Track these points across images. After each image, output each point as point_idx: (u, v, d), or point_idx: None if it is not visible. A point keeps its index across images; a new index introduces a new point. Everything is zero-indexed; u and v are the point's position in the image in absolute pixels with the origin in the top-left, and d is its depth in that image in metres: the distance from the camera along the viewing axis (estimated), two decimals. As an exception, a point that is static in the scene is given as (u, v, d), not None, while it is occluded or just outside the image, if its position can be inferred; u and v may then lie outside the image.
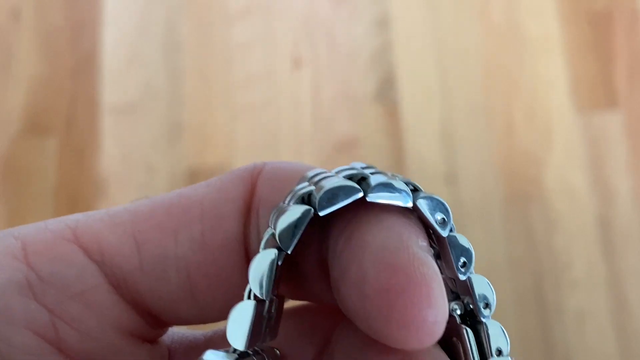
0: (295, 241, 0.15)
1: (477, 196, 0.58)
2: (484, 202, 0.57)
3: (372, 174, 0.15)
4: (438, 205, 0.15)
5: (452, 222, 0.15)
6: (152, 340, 0.17)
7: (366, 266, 0.13)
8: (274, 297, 0.15)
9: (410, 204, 0.15)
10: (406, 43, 0.63)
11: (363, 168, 0.16)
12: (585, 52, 0.62)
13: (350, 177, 0.15)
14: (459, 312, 0.15)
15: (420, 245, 0.14)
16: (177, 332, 0.18)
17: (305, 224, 0.15)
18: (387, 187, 0.15)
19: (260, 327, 0.15)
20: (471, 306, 0.15)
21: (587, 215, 0.57)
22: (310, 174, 0.16)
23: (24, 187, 0.61)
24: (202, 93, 0.62)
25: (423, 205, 0.15)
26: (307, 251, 0.16)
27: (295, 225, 0.15)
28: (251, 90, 0.62)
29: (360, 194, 0.14)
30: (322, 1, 0.65)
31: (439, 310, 0.13)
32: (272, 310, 0.15)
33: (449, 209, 0.15)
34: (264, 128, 0.60)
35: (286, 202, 0.15)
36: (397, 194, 0.15)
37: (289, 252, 0.14)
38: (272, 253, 0.14)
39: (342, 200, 0.14)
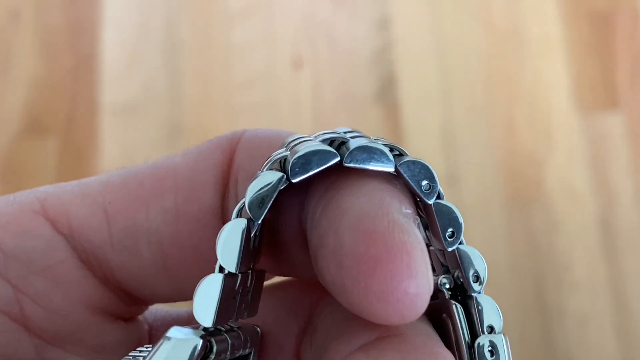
0: (265, 210, 0.13)
1: (478, 197, 0.57)
2: (484, 203, 0.57)
3: (352, 137, 0.14)
4: (422, 170, 0.14)
5: (439, 188, 0.14)
6: (128, 318, 0.16)
7: (343, 234, 0.12)
8: (250, 271, 0.14)
9: (391, 169, 0.13)
10: (407, 43, 0.63)
11: (346, 132, 0.15)
12: (587, 52, 0.61)
13: (330, 141, 0.14)
14: (448, 286, 0.14)
15: (403, 212, 0.13)
16: (160, 310, 0.17)
17: (275, 191, 0.13)
18: (366, 151, 0.13)
19: (232, 302, 0.14)
20: (461, 280, 0.14)
21: (589, 216, 0.56)
22: (290, 139, 0.15)
23: (24, 187, 0.60)
24: (202, 93, 0.62)
25: (405, 170, 0.14)
26: (288, 220, 0.15)
27: (265, 193, 0.13)
28: (251, 91, 0.62)
29: (337, 159, 0.13)
30: (322, 1, 0.65)
31: (421, 281, 0.12)
32: (248, 285, 0.14)
33: (435, 175, 0.14)
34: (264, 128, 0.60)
35: (262, 169, 0.14)
36: (376, 159, 0.13)
37: (258, 222, 0.13)
38: (242, 223, 0.13)
39: (317, 166, 0.13)
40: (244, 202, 0.14)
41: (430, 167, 0.14)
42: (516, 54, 0.62)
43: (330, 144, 0.14)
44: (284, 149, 0.14)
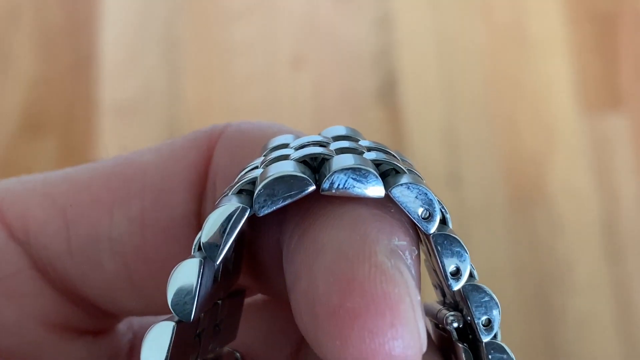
0: (224, 250, 0.11)
1: (480, 199, 0.57)
2: (487, 204, 0.57)
3: (339, 150, 0.12)
4: (419, 195, 0.12)
5: (438, 215, 0.12)
6: (97, 332, 0.14)
7: (317, 278, 0.10)
8: (218, 303, 0.12)
9: (379, 195, 0.11)
10: (409, 43, 0.63)
11: (337, 138, 0.13)
12: (590, 53, 0.61)
13: (312, 158, 0.12)
14: (455, 325, 0.12)
15: (391, 249, 0.11)
16: (144, 318, 0.15)
17: (237, 227, 0.11)
18: (350, 172, 0.11)
19: (192, 343, 0.12)
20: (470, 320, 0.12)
21: (592, 218, 0.56)
22: (271, 145, 0.12)
23: (22, 188, 0.60)
24: (202, 92, 0.62)
25: (399, 195, 0.11)
26: (266, 239, 0.13)
27: (223, 231, 0.11)
28: (251, 91, 0.62)
29: (311, 189, 0.11)
30: (323, 1, 0.64)
31: (408, 340, 0.10)
32: (217, 318, 0.12)
33: (435, 201, 0.12)
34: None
35: (228, 191, 0.12)
36: (362, 182, 0.11)
37: (216, 263, 0.11)
38: (196, 264, 0.11)
39: (286, 197, 0.11)
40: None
41: (428, 191, 0.12)
42: (519, 54, 0.61)
43: (312, 160, 0.12)
44: (260, 161, 0.12)
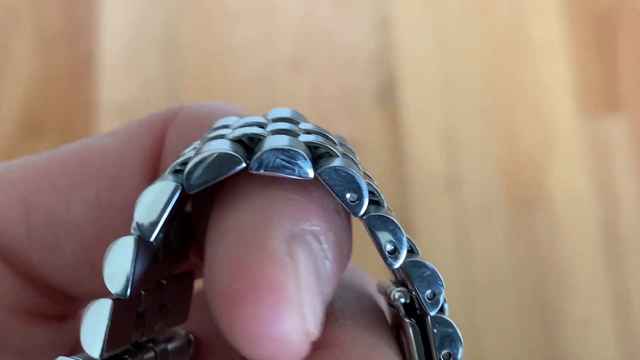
0: (157, 227, 0.11)
1: (479, 201, 0.57)
2: (486, 206, 0.57)
3: (274, 132, 0.12)
4: (347, 180, 0.12)
5: (366, 198, 0.12)
6: (63, 316, 0.14)
7: (217, 259, 0.11)
8: (163, 282, 0.13)
9: (307, 177, 0.11)
10: (408, 45, 0.63)
11: (278, 120, 0.13)
12: (590, 55, 0.61)
13: (250, 138, 0.12)
14: (403, 301, 0.12)
15: (293, 234, 0.11)
16: None
17: (169, 205, 0.11)
18: (280, 153, 0.11)
19: (136, 321, 0.12)
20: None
21: (591, 220, 0.56)
22: (216, 124, 0.13)
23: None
24: (201, 94, 0.62)
25: (327, 178, 0.12)
26: (204, 219, 0.13)
27: (157, 208, 0.11)
28: (250, 93, 0.62)
29: (239, 168, 0.11)
30: (322, 3, 0.64)
31: (289, 326, 0.10)
32: (163, 297, 0.12)
33: (362, 184, 0.12)
34: (263, 130, 0.60)
35: (167, 170, 0.12)
36: (291, 164, 0.11)
37: (152, 241, 0.12)
38: (131, 241, 0.11)
39: (215, 175, 0.11)
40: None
41: (357, 177, 0.12)
42: (518, 56, 0.61)
43: (250, 141, 0.12)
44: (200, 142, 0.12)
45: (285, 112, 0.14)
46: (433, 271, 0.12)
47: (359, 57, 0.62)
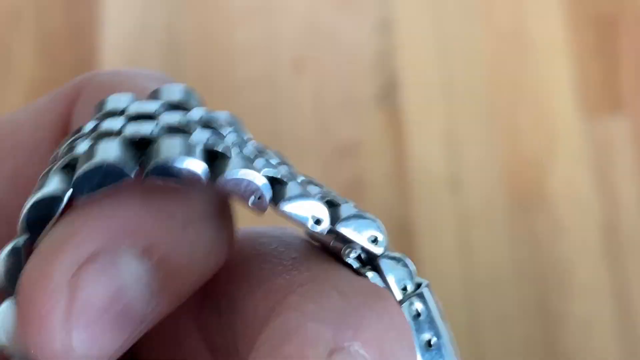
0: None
1: (481, 202, 0.57)
2: (487, 207, 0.57)
3: (168, 129, 0.12)
4: (247, 186, 0.11)
5: (268, 192, 0.11)
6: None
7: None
8: None
9: (194, 176, 0.11)
10: (410, 47, 0.63)
11: (170, 107, 0.12)
12: (591, 56, 0.61)
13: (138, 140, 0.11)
14: (353, 255, 0.12)
15: (92, 253, 0.10)
16: None
17: (59, 209, 0.11)
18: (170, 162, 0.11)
19: None
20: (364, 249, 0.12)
21: (593, 221, 0.56)
22: (106, 107, 0.12)
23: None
24: (203, 95, 0.62)
25: (228, 188, 0.11)
26: None
27: (45, 213, 0.11)
28: (252, 94, 0.62)
29: (124, 179, 0.11)
30: (324, 4, 0.64)
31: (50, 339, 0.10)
32: None
33: (260, 186, 0.11)
34: (264, 131, 0.60)
35: (52, 167, 0.11)
36: (178, 171, 0.11)
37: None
38: (5, 252, 0.11)
39: (102, 185, 0.11)
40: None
41: (253, 181, 0.12)
42: (520, 57, 0.61)
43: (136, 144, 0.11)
44: (90, 127, 0.12)
45: (177, 94, 0.14)
46: (358, 213, 0.12)
47: (361, 58, 0.62)
